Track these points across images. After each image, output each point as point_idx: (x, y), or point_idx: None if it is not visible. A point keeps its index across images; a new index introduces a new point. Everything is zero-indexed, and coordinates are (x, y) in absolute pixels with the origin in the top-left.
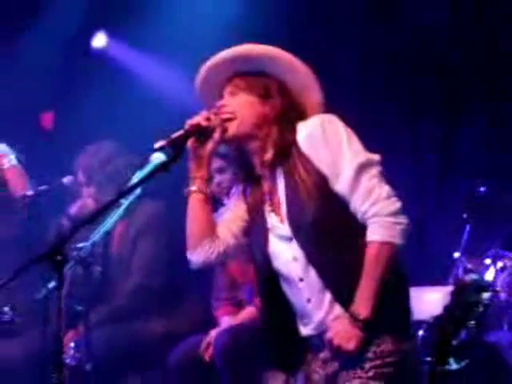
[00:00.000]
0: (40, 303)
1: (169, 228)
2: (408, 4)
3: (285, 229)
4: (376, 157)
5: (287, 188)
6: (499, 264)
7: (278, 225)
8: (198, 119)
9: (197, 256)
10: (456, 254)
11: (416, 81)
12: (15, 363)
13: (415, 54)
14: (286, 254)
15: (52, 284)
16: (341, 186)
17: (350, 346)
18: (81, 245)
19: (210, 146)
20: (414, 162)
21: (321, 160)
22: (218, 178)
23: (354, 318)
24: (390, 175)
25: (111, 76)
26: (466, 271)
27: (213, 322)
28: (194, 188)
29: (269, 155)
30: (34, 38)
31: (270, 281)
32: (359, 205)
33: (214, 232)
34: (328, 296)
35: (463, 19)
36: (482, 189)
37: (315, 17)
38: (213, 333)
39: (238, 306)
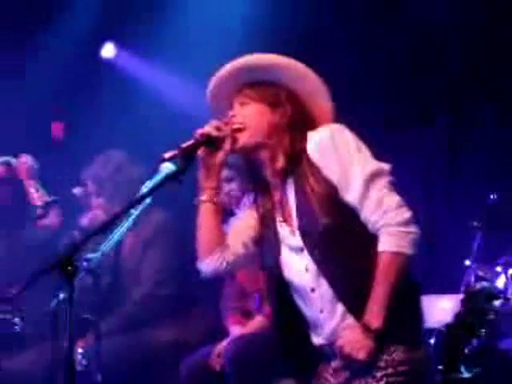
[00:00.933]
0: (50, 314)
1: (178, 237)
2: (412, 5)
3: (296, 239)
4: (386, 166)
5: (297, 198)
6: (510, 271)
7: (289, 236)
8: (208, 129)
9: (206, 265)
10: (467, 262)
11: (425, 83)
12: (26, 375)
13: (424, 55)
14: (297, 264)
15: (62, 295)
16: (351, 196)
17: (361, 355)
18: (91, 255)
19: (220, 155)
20: (422, 168)
21: (330, 170)
22: (226, 188)
23: (365, 329)
24: (398, 181)
25: (120, 86)
26: (477, 279)
27: (223, 332)
28: (204, 198)
29: (280, 163)
30: (44, 47)
31: (281, 291)
32: (370, 215)
33: (223, 242)
34: (340, 307)
35: (470, 19)
36: (492, 196)
37: (322, 18)
38: (223, 343)
39: (247, 315)
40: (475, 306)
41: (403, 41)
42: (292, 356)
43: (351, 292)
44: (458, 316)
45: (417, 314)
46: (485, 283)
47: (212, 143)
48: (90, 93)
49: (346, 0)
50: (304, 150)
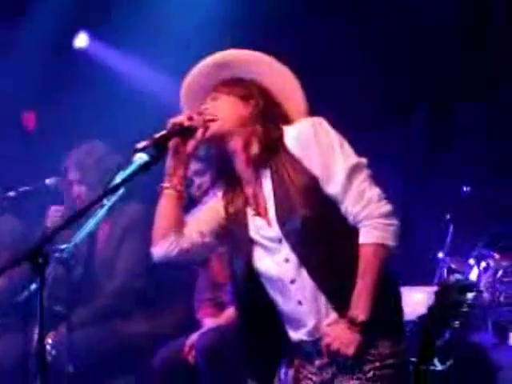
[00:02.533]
0: (22, 305)
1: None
2: (406, 2)
3: (273, 230)
4: (364, 160)
5: (274, 189)
6: (483, 264)
7: (263, 227)
8: (181, 118)
9: (158, 250)
10: (440, 254)
11: (406, 79)
12: None
13: (409, 51)
14: (276, 256)
15: (34, 286)
16: (332, 188)
17: (350, 350)
18: (63, 246)
19: (191, 144)
20: (397, 160)
21: (312, 161)
22: (197, 181)
23: (351, 322)
24: (373, 175)
25: (93, 76)
26: (450, 271)
27: (196, 324)
28: (167, 185)
29: (254, 150)
30: (15, 37)
31: (249, 286)
32: (351, 207)
33: (180, 229)
34: (322, 300)
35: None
36: (465, 189)
37: (305, 16)
38: (195, 335)
39: (220, 306)
40: (449, 298)
41: (385, 38)
42: (257, 356)
43: (333, 283)
44: (431, 308)
45: (399, 305)
46: (458, 275)
47: (184, 133)
48: (62, 83)
49: None
50: (280, 141)
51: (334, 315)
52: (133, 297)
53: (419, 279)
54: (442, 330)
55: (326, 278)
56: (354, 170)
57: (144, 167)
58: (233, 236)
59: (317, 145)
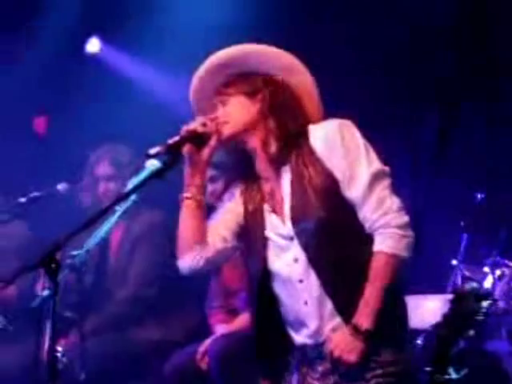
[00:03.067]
0: (34, 311)
1: (166, 237)
2: (407, 3)
3: (286, 228)
4: (387, 168)
5: (293, 187)
6: (497, 272)
7: (278, 224)
8: (195, 125)
9: (184, 263)
10: (454, 262)
11: (412, 82)
12: (8, 371)
13: (412, 54)
14: (287, 254)
15: (46, 292)
16: (353, 192)
17: (351, 358)
18: (75, 252)
19: (206, 152)
20: (410, 166)
21: (335, 163)
22: (210, 188)
23: (355, 330)
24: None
25: (105, 81)
26: (465, 279)
27: (208, 331)
28: (187, 195)
29: (273, 148)
30: (27, 42)
31: (262, 285)
32: (370, 213)
33: (204, 240)
34: (328, 304)
35: (460, 19)
36: (479, 195)
37: (311, 16)
38: (208, 341)
39: (232, 313)
40: (464, 306)
41: (393, 39)
42: (269, 356)
43: (340, 286)
44: (445, 317)
45: (404, 315)
46: (474, 284)
47: (198, 139)
48: (74, 87)
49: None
50: (302, 137)
51: (338, 319)
52: (145, 304)
53: (433, 287)
54: (456, 338)
55: (333, 281)
56: (376, 177)
57: (157, 173)
58: (249, 234)
59: (342, 148)
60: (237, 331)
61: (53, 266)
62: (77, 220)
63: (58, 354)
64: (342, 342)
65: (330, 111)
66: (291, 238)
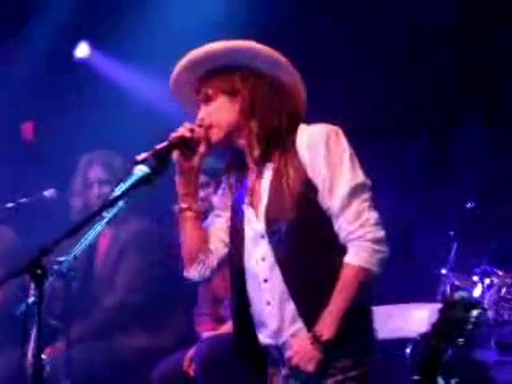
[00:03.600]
0: (18, 319)
1: (154, 244)
2: (407, 8)
3: (259, 224)
4: (369, 182)
5: (272, 184)
6: (487, 281)
7: (252, 218)
8: (182, 131)
9: (192, 274)
10: (443, 271)
11: (410, 83)
12: None
13: (411, 54)
14: (256, 252)
15: (31, 299)
16: (331, 202)
17: (309, 367)
18: (62, 258)
19: (196, 159)
20: (400, 175)
21: (316, 171)
22: (202, 193)
23: (315, 339)
24: (376, 188)
25: (93, 86)
26: (454, 288)
27: (195, 338)
28: (184, 206)
29: (256, 152)
30: (16, 47)
31: (238, 282)
32: (346, 225)
33: (206, 247)
34: (290, 306)
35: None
36: (469, 204)
37: (305, 17)
38: (194, 347)
39: (220, 321)
40: (453, 315)
41: (393, 39)
42: (244, 356)
43: (304, 291)
44: (435, 325)
45: (367, 325)
46: (463, 293)
47: (186, 145)
48: (62, 93)
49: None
50: (290, 135)
51: (299, 323)
52: (131, 311)
53: (422, 296)
54: (446, 347)
55: (298, 285)
56: (356, 190)
57: (144, 179)
58: (232, 227)
59: (326, 156)
60: (222, 335)
61: (38, 272)
62: (64, 226)
63: (43, 362)
64: (301, 351)
65: (324, 112)
66: (262, 236)
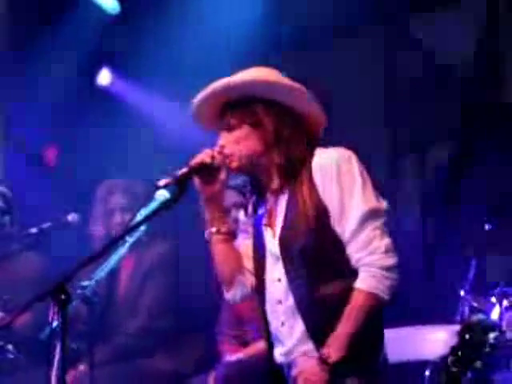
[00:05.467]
0: (43, 343)
1: (177, 267)
2: (420, 31)
3: (275, 246)
4: (383, 205)
5: (288, 207)
6: (505, 303)
7: (270, 239)
8: (202, 157)
9: (233, 295)
10: (462, 293)
11: (426, 108)
12: None
13: (427, 80)
14: (274, 272)
15: (56, 323)
16: (343, 228)
17: None
18: (85, 283)
19: (217, 185)
20: (419, 195)
21: (329, 196)
22: (234, 214)
23: (322, 360)
24: (396, 210)
25: (115, 112)
26: (472, 310)
27: (218, 360)
28: (213, 230)
29: (275, 185)
30: (38, 73)
31: (261, 300)
32: (356, 252)
33: (242, 266)
34: (302, 328)
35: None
36: (487, 226)
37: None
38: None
39: (244, 344)
40: (472, 338)
41: (407, 65)
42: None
43: (315, 314)
44: (453, 348)
45: (377, 347)
46: (481, 315)
47: (206, 171)
48: (84, 119)
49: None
50: (306, 161)
51: (310, 344)
52: (155, 336)
53: (440, 318)
54: (464, 370)
55: (309, 309)
56: (368, 217)
57: (166, 204)
58: (254, 247)
59: (337, 182)
60: (245, 357)
61: (62, 296)
62: (87, 250)
63: None
64: (308, 371)
65: (344, 135)
66: (278, 258)
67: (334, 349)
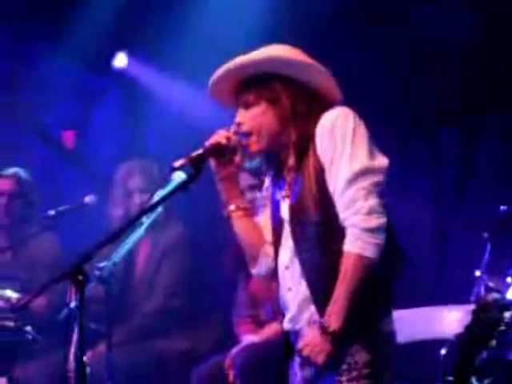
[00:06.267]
0: (62, 323)
1: (193, 249)
2: (425, 17)
3: (287, 214)
4: (377, 163)
5: (299, 181)
6: None
7: (285, 209)
8: (217, 138)
9: (258, 269)
10: (477, 273)
11: (434, 93)
12: (36, 383)
13: (432, 65)
14: (287, 241)
15: (74, 304)
16: (332, 187)
17: (319, 360)
18: (102, 264)
19: (233, 167)
20: (433, 177)
21: (322, 152)
22: (249, 196)
23: (323, 330)
24: (408, 192)
25: (132, 96)
26: (488, 290)
27: (234, 341)
28: (232, 207)
29: (292, 161)
30: (56, 57)
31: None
32: (341, 211)
33: (264, 240)
34: (306, 292)
35: (480, 32)
36: (502, 207)
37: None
38: (234, 351)
39: (259, 324)
40: (487, 317)
41: (413, 52)
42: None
43: (317, 277)
44: (468, 327)
45: (383, 325)
46: (496, 294)
47: (222, 152)
48: (101, 102)
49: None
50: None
51: (312, 308)
52: (171, 316)
53: (456, 298)
54: (479, 348)
55: (313, 273)
56: (356, 176)
57: (182, 186)
58: (272, 219)
59: (329, 137)
60: (263, 341)
61: (80, 277)
62: (104, 232)
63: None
64: (311, 343)
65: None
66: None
67: (333, 316)
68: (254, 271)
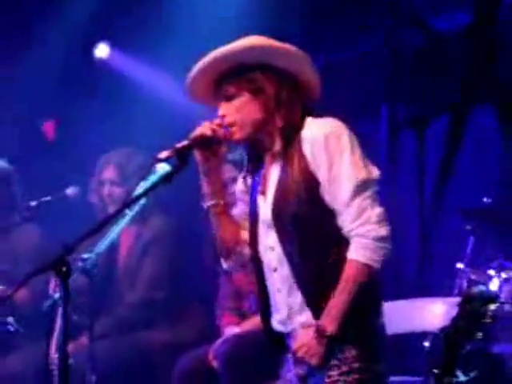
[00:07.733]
0: (44, 314)
1: (177, 240)
2: (423, 8)
3: (268, 214)
4: (374, 174)
5: (281, 175)
6: (503, 275)
7: (263, 206)
8: (202, 130)
9: (229, 265)
10: (460, 265)
11: (424, 84)
12: (19, 374)
13: (424, 58)
14: (267, 240)
15: (57, 295)
16: (333, 197)
17: (313, 361)
18: (86, 255)
19: (217, 159)
20: (416, 169)
21: (319, 168)
22: (231, 188)
23: (319, 333)
24: (391, 183)
25: (113, 86)
26: (470, 282)
27: (217, 332)
28: (212, 203)
29: (278, 146)
30: (37, 46)
31: (257, 268)
32: (348, 222)
33: (241, 237)
34: (298, 296)
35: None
36: (485, 199)
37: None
38: (217, 343)
39: (242, 316)
40: (472, 309)
41: (404, 42)
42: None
43: (311, 282)
44: (453, 320)
45: (374, 318)
46: (481, 287)
47: (206, 144)
48: (82, 92)
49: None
50: (299, 130)
51: (307, 313)
52: (155, 308)
53: (439, 291)
54: (464, 341)
55: (305, 276)
56: (359, 187)
57: (166, 177)
58: (249, 215)
59: (326, 154)
60: (245, 332)
61: (63, 269)
62: (87, 223)
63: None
64: (306, 345)
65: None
66: (270, 226)
67: (330, 320)
68: (225, 265)
